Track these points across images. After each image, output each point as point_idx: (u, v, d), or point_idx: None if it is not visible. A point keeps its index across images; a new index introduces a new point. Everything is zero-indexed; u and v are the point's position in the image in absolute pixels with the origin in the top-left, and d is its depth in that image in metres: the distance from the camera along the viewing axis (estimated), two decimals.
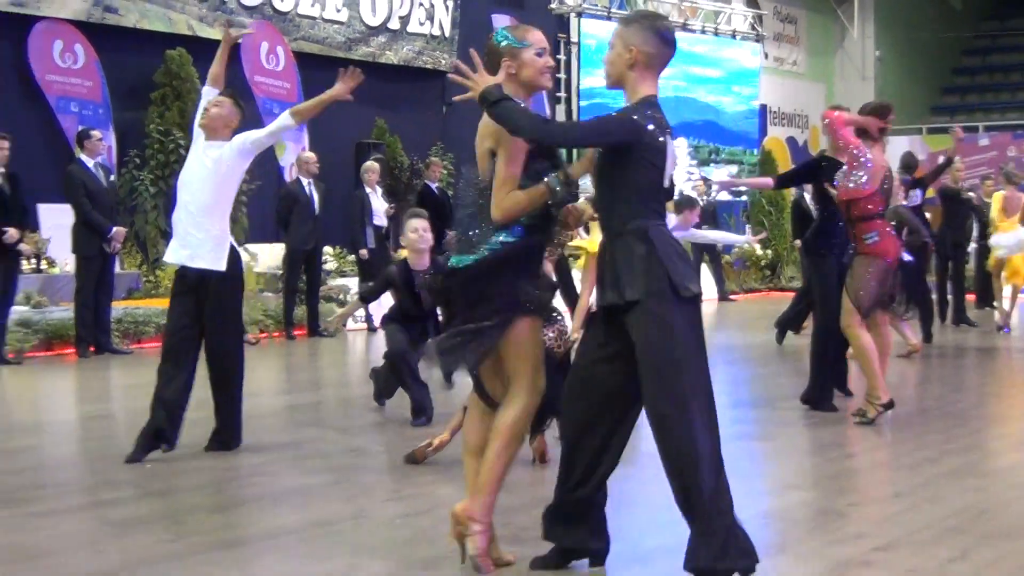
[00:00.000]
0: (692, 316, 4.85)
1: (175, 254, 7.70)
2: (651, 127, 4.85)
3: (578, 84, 23.86)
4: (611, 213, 4.95)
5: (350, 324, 17.05)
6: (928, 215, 15.47)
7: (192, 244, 7.56)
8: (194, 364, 7.69)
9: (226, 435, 7.82)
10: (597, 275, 5.06)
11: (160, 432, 7.44)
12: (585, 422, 4.99)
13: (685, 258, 4.95)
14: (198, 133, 7.72)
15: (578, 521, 5.05)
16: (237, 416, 7.91)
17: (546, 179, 4.92)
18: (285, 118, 7.65)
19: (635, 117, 4.87)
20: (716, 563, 4.65)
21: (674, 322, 4.75)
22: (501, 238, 4.92)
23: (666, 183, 5.00)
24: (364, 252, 16.79)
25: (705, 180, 22.74)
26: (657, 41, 4.99)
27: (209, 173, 7.55)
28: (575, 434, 5.02)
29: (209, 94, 7.83)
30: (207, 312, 7.64)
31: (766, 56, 28.90)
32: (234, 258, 7.71)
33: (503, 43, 5.08)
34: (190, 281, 7.61)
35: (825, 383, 9.36)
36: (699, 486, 4.68)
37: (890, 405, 8.74)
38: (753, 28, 27.84)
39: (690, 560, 4.69)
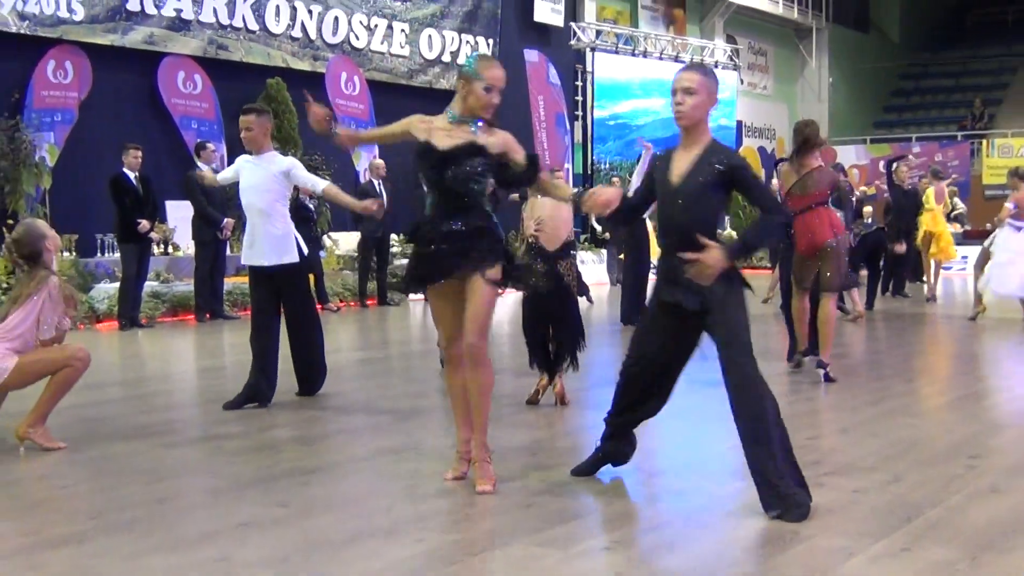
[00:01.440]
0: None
1: (248, 256, 7.52)
2: None
3: (592, 106, 23.78)
4: (700, 233, 4.66)
5: (411, 296, 17.07)
6: (869, 209, 15.29)
7: (260, 243, 7.41)
8: (278, 333, 7.64)
9: (312, 383, 7.86)
10: (669, 277, 4.83)
11: (258, 392, 7.42)
12: (647, 365, 4.99)
13: None
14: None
15: (620, 436, 5.14)
16: (321, 368, 7.93)
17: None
18: (319, 186, 7.55)
19: None
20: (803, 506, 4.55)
21: (745, 304, 4.75)
22: None
23: None
24: None
25: None
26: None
27: (262, 181, 7.40)
28: (636, 370, 5.02)
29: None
30: (285, 295, 7.57)
31: (741, 82, 28.72)
32: (298, 248, 7.52)
33: (464, 68, 4.98)
34: (265, 272, 7.49)
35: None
36: (770, 440, 4.59)
37: (796, 353, 8.87)
38: (731, 59, 27.65)
39: (771, 507, 4.54)
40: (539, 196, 7.01)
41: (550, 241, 7.21)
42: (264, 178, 7.40)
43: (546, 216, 7.15)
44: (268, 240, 7.41)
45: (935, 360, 10.51)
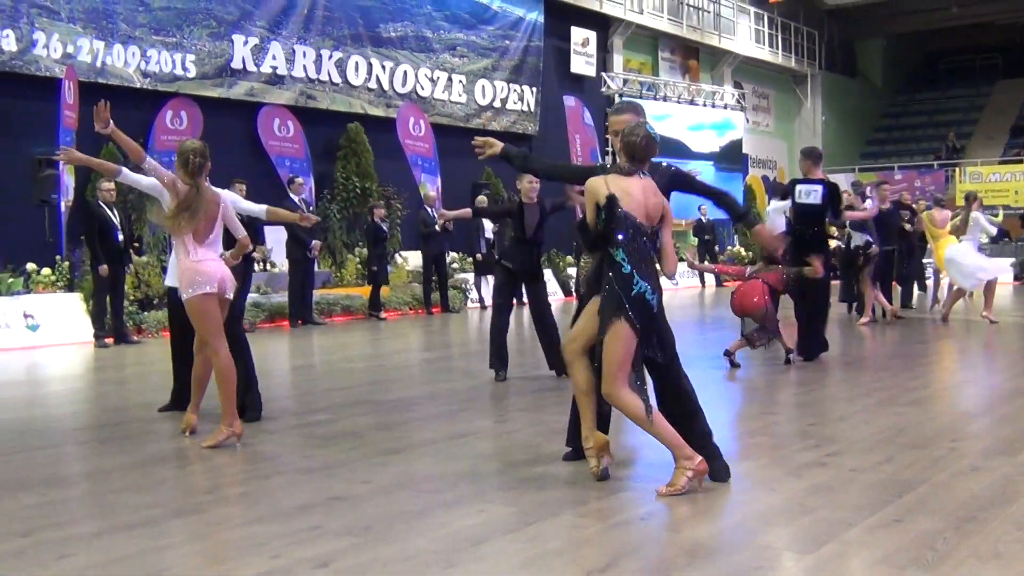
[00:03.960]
0: None
1: (170, 278, 6.58)
2: None
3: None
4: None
5: (468, 303, 17.09)
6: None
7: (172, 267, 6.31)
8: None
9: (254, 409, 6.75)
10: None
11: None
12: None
13: None
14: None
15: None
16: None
17: None
18: (261, 211, 6.67)
19: None
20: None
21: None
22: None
23: None
24: (479, 255, 16.95)
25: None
26: None
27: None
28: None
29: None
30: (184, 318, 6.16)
31: (747, 121, 28.51)
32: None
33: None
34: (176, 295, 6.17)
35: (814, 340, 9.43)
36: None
37: (789, 351, 9.06)
38: (738, 102, 27.46)
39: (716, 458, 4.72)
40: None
41: None
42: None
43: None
44: (172, 264, 6.36)
45: (919, 357, 10.32)
